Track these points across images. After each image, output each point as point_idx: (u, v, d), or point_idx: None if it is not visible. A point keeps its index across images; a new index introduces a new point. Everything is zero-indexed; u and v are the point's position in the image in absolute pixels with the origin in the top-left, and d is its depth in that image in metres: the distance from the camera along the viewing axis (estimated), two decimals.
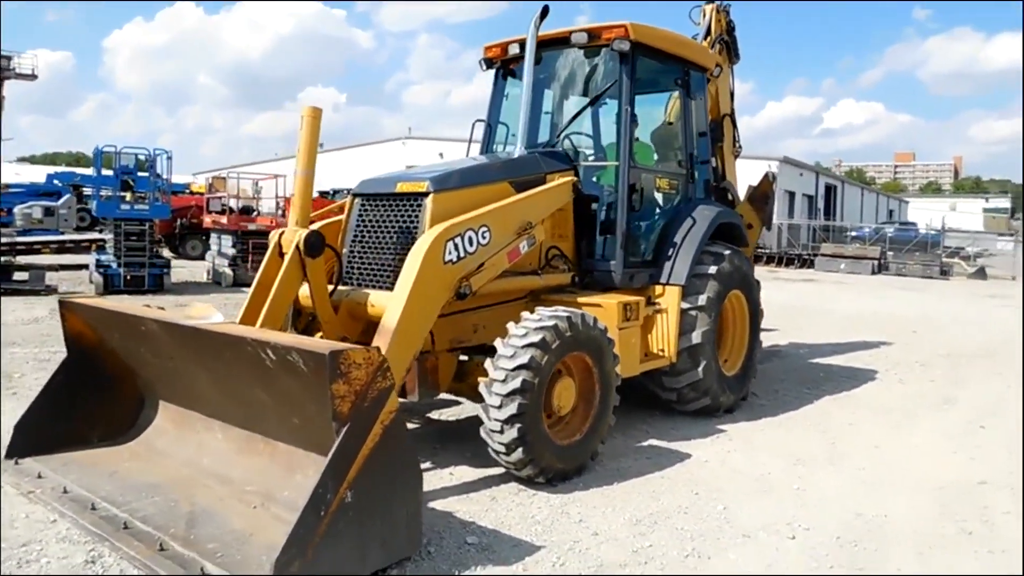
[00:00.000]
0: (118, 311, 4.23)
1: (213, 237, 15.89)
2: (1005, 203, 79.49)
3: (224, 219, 15.08)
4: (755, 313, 6.57)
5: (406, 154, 43.88)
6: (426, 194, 4.58)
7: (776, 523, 3.94)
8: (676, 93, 6.58)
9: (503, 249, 4.75)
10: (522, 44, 6.12)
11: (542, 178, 5.29)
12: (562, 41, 5.90)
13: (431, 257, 4.22)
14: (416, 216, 4.61)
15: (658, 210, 6.13)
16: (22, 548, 3.37)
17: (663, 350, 5.64)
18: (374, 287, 4.64)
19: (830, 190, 45.58)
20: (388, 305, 4.12)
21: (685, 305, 5.68)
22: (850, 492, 4.46)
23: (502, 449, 4.15)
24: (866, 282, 22.38)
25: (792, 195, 37.50)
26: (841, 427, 5.92)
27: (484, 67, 6.52)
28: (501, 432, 4.09)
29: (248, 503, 3.75)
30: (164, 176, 13.24)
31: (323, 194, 19.30)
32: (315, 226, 4.69)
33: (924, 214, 53.64)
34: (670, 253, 5.85)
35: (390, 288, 4.50)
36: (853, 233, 32.31)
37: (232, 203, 15.97)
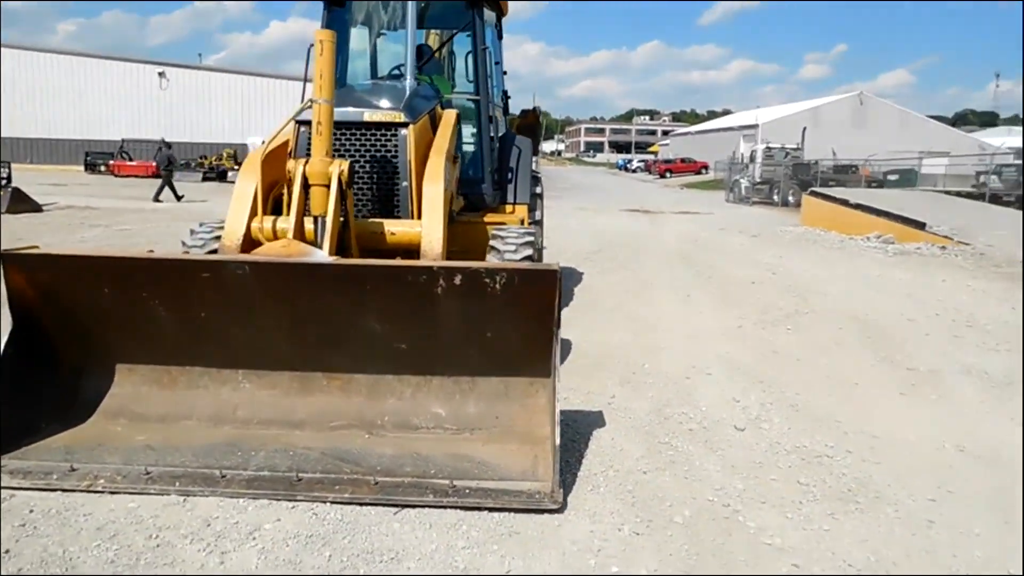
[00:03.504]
0: (141, 257, 3.58)
1: None
2: None
3: None
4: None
5: None
6: (404, 124, 4.73)
7: (704, 359, 5.59)
8: (437, 32, 7.46)
9: (453, 176, 5.19)
10: None
11: (435, 110, 5.70)
12: None
13: (442, 184, 4.54)
14: (393, 145, 4.73)
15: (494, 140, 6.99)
16: (217, 540, 2.96)
17: None
18: (365, 216, 4.65)
19: None
20: (425, 231, 4.35)
21: (529, 219, 6.78)
22: (698, 342, 6.24)
23: None
24: None
25: None
26: (617, 308, 7.78)
27: None
28: None
29: (356, 435, 3.80)
30: None
31: None
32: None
33: None
34: (510, 177, 6.83)
35: (391, 215, 4.65)
36: None
37: None
